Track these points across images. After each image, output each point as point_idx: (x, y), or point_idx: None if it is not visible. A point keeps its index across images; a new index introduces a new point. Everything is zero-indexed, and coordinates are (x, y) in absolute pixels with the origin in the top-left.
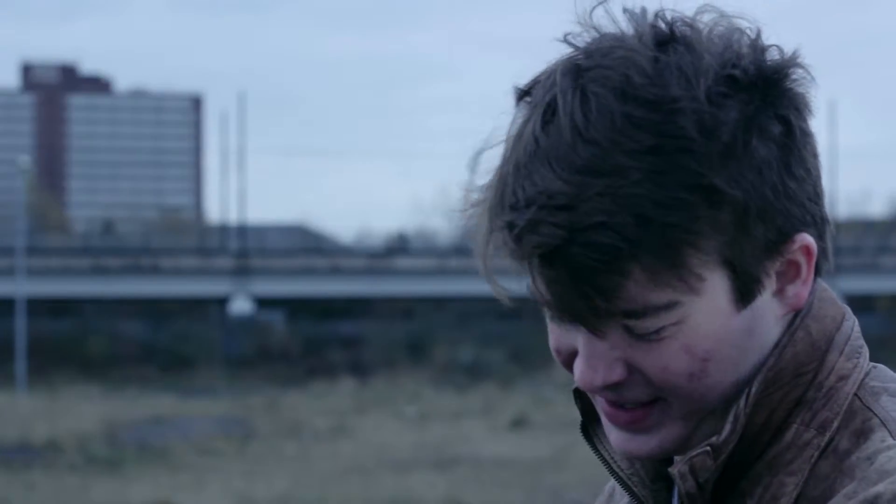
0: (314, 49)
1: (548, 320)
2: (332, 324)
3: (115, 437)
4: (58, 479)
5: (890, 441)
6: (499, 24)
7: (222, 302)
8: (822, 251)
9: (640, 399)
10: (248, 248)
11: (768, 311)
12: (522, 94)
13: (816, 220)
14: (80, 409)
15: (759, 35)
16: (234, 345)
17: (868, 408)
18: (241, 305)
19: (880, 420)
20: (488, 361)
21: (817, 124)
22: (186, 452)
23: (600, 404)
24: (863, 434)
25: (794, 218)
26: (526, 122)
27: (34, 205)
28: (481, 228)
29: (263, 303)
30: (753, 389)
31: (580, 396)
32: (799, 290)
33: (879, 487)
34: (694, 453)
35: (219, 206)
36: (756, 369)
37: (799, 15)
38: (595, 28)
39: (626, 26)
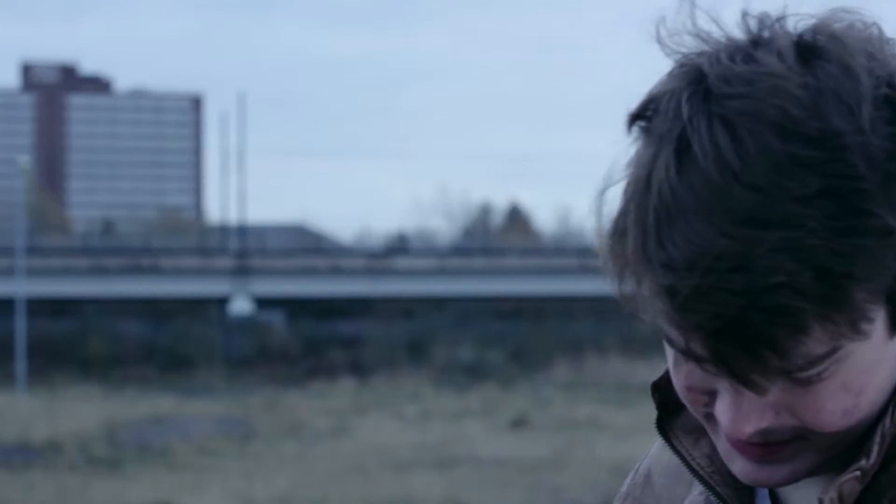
0: (314, 49)
1: (676, 356)
2: (332, 324)
3: (115, 437)
4: (58, 479)
5: None
6: (499, 23)
7: (222, 302)
8: None
9: (784, 439)
10: (248, 248)
11: None
12: (637, 118)
13: None
14: (80, 409)
15: (887, 37)
16: (234, 345)
17: None
18: (241, 305)
19: None
20: (488, 361)
21: None
22: (186, 452)
23: (731, 441)
24: None
25: None
26: (654, 158)
27: (34, 205)
28: (632, 287)
29: (263, 303)
30: None
31: (658, 390)
32: None
33: None
34: (844, 479)
35: (219, 206)
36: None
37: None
38: (707, 35)
39: (749, 36)
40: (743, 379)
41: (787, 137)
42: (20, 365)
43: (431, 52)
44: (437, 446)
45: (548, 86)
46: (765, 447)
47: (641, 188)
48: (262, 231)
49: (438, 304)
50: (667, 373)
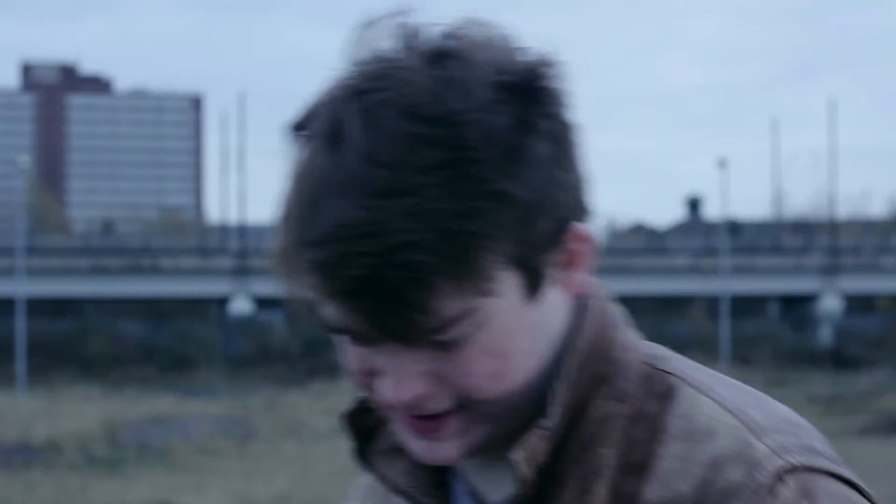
0: (314, 49)
1: (346, 345)
2: None
3: (115, 437)
4: (58, 479)
5: (699, 397)
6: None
7: (222, 302)
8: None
9: (444, 408)
10: (248, 248)
11: (556, 301)
12: (298, 127)
13: (587, 209)
14: (80, 409)
15: (511, 39)
16: (234, 345)
17: (663, 371)
18: (241, 305)
19: (680, 379)
20: None
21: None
22: (186, 452)
23: (402, 418)
24: (668, 395)
25: (569, 209)
26: (311, 153)
27: (34, 205)
28: (288, 273)
29: (263, 303)
30: (569, 373)
31: (351, 420)
32: (581, 278)
33: (717, 448)
34: (528, 437)
35: (219, 206)
36: (554, 358)
37: (801, 15)
38: (368, 49)
39: (397, 45)
40: (393, 336)
41: (412, 120)
42: (20, 365)
43: None
44: None
45: None
46: (432, 420)
47: (296, 185)
48: (262, 231)
49: None
50: (357, 402)
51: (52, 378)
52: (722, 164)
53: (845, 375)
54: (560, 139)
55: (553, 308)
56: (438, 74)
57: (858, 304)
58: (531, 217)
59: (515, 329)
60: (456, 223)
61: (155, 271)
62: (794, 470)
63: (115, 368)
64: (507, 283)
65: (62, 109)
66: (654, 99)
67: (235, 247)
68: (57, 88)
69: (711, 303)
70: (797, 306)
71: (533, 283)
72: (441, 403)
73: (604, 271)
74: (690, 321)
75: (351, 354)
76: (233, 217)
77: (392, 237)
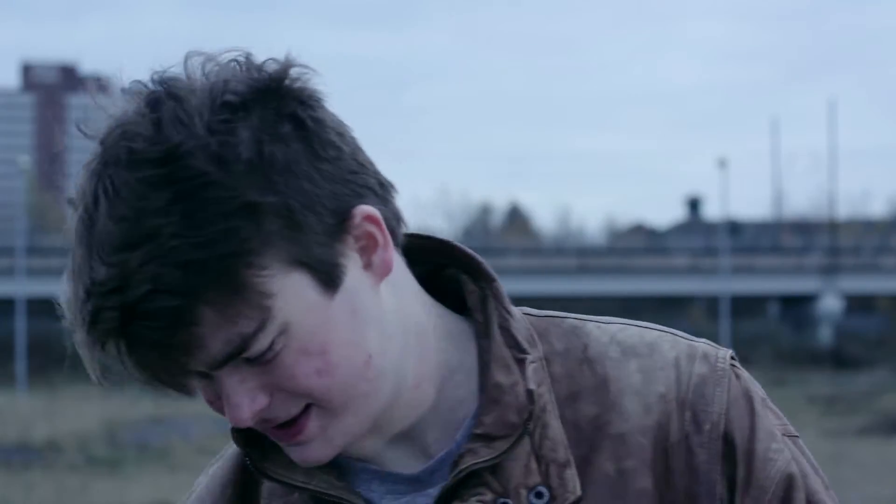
0: (314, 49)
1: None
2: None
3: (115, 437)
4: (58, 479)
5: (606, 326)
6: (500, 23)
7: None
8: (393, 213)
9: (294, 412)
10: None
11: (364, 286)
12: (71, 198)
13: (373, 188)
14: (80, 409)
15: (248, 57)
16: None
17: (547, 316)
18: None
19: (573, 318)
20: None
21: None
22: (186, 452)
23: (269, 433)
24: (571, 332)
25: (345, 195)
26: (75, 222)
27: (34, 205)
28: (72, 329)
29: None
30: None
31: (239, 434)
32: (384, 257)
33: (671, 352)
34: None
35: None
36: (401, 333)
37: (801, 15)
38: (108, 115)
39: (126, 103)
40: (171, 384)
41: (136, 168)
42: (20, 365)
43: (432, 53)
44: None
45: (548, 86)
46: (290, 427)
47: (70, 248)
48: None
49: None
50: None
51: (52, 378)
52: (722, 164)
53: (845, 375)
54: (309, 136)
55: (362, 294)
56: (159, 117)
57: (858, 304)
58: (295, 217)
59: (323, 324)
60: (199, 254)
61: None
62: (733, 357)
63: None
64: (296, 285)
65: (62, 109)
66: (654, 99)
67: None
68: (57, 88)
69: (711, 303)
70: (797, 306)
71: (328, 278)
72: (288, 409)
73: (604, 271)
74: (690, 321)
75: (200, 391)
76: None
77: (135, 289)
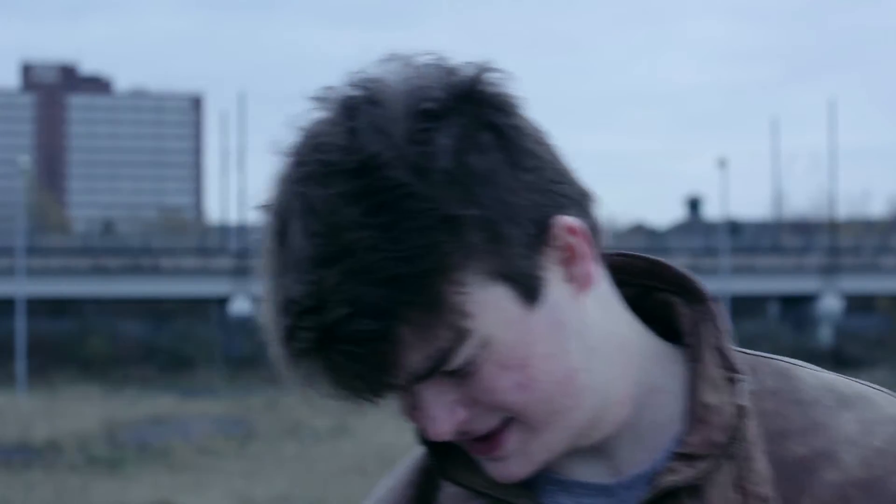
0: (315, 48)
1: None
2: None
3: (115, 437)
4: (58, 479)
5: (819, 373)
6: (501, 23)
7: (222, 302)
8: (593, 224)
9: (493, 426)
10: (248, 248)
11: (566, 299)
12: (264, 212)
13: (573, 198)
14: (80, 409)
15: (442, 62)
16: (234, 345)
17: (756, 355)
18: (240, 305)
19: (783, 360)
20: None
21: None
22: (186, 452)
23: (466, 446)
24: (782, 373)
25: (546, 206)
26: (268, 237)
27: (34, 205)
28: (270, 343)
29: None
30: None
31: (423, 436)
32: (584, 269)
33: (886, 409)
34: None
35: (219, 206)
36: (604, 350)
37: (801, 15)
38: (299, 127)
39: (322, 113)
40: (366, 398)
41: (331, 182)
42: (20, 365)
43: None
44: None
45: (548, 86)
46: (489, 441)
47: (265, 262)
48: (262, 231)
49: None
50: None
51: (52, 378)
52: (722, 164)
53: (845, 375)
54: (508, 144)
55: (563, 307)
56: (354, 126)
57: (858, 304)
58: (497, 229)
59: (524, 338)
60: (402, 269)
61: (155, 271)
62: None
63: (115, 368)
64: (497, 299)
65: (62, 109)
66: (654, 99)
67: (235, 247)
68: (57, 88)
69: None
70: (797, 306)
71: (529, 291)
72: (487, 423)
73: None
74: None
75: (398, 401)
76: (233, 217)
77: (332, 311)
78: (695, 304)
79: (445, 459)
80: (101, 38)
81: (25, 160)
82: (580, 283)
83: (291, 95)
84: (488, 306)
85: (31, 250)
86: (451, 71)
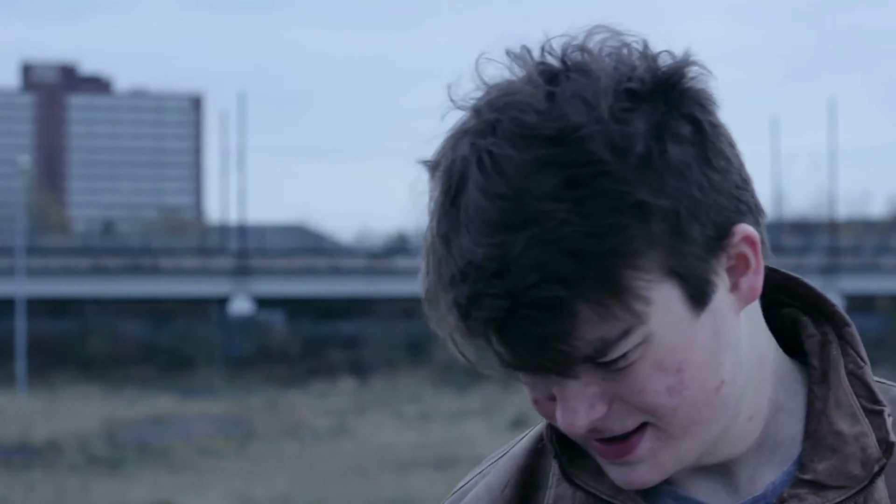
0: (315, 48)
1: (518, 375)
2: (332, 324)
3: (115, 437)
4: (58, 479)
5: None
6: (501, 23)
7: (222, 302)
8: (762, 239)
9: (628, 428)
10: (248, 248)
11: (727, 309)
12: (433, 166)
13: (751, 208)
14: (80, 409)
15: (647, 45)
16: (234, 345)
17: (880, 382)
18: (241, 305)
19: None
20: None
21: (828, 123)
22: (186, 452)
23: (592, 446)
24: None
25: (728, 210)
26: (439, 193)
27: (34, 205)
28: (436, 311)
29: (263, 303)
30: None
31: (552, 432)
32: (752, 282)
33: None
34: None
35: (219, 206)
36: (736, 367)
37: (801, 15)
38: (484, 82)
39: (515, 70)
40: (547, 369)
41: (526, 145)
42: (20, 365)
43: (433, 53)
44: (437, 446)
45: None
46: (620, 443)
47: (432, 220)
48: (262, 231)
49: None
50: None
51: (52, 378)
52: None
53: None
54: (704, 140)
55: (725, 317)
56: (555, 91)
57: (858, 304)
58: (681, 224)
59: (685, 341)
60: (589, 245)
61: (155, 271)
62: None
63: (115, 368)
64: (667, 296)
65: (62, 109)
66: None
67: (235, 247)
68: (57, 88)
69: None
70: None
71: (697, 294)
72: (624, 423)
73: None
74: None
75: (526, 386)
76: (233, 217)
77: (521, 275)
78: (825, 326)
79: (569, 460)
80: (101, 38)
81: (25, 160)
82: (745, 295)
83: (291, 95)
84: (658, 302)
85: (31, 250)
86: (654, 56)
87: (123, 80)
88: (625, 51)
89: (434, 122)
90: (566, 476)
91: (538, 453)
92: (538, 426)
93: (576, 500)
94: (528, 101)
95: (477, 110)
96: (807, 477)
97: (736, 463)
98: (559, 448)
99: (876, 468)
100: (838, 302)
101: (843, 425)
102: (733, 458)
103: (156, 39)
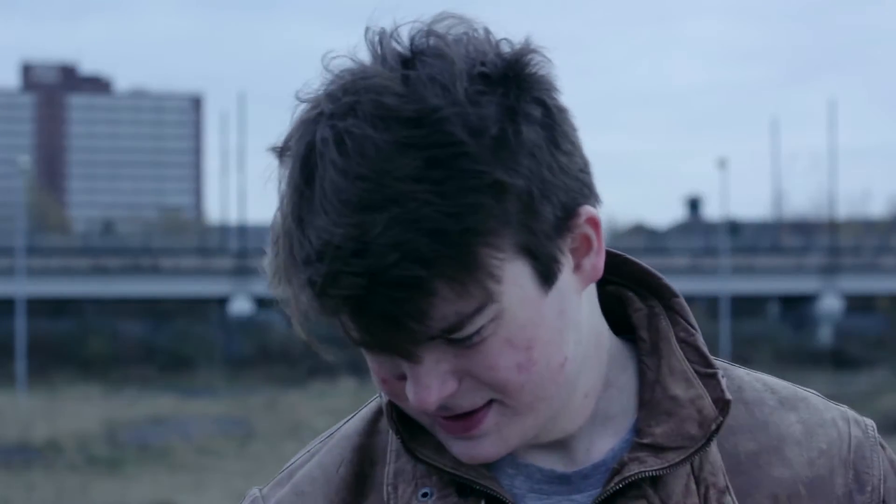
0: (315, 48)
1: (365, 354)
2: None
3: (115, 437)
4: (58, 479)
5: (752, 374)
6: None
7: (222, 302)
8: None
9: (477, 404)
10: (248, 248)
11: (571, 288)
12: (282, 151)
13: (592, 191)
14: (80, 409)
15: (489, 32)
16: (234, 345)
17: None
18: (241, 305)
19: (721, 360)
20: None
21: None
22: (186, 452)
23: (436, 422)
24: (724, 372)
25: (574, 192)
26: (292, 175)
27: (34, 205)
28: (286, 291)
29: (263, 303)
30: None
31: (391, 409)
32: (595, 262)
33: (822, 412)
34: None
35: (219, 206)
36: (589, 344)
37: (801, 15)
38: (333, 72)
39: (367, 56)
40: (398, 350)
41: (385, 126)
42: (20, 365)
43: None
44: None
45: None
46: (466, 419)
47: (282, 205)
48: (262, 231)
49: None
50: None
51: (52, 378)
52: (722, 164)
53: (845, 375)
54: (552, 124)
55: (569, 296)
56: (412, 75)
57: (858, 304)
58: (533, 204)
59: (535, 318)
60: (448, 224)
61: (155, 271)
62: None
63: (115, 368)
64: (519, 273)
65: (62, 109)
66: (654, 99)
67: (235, 247)
68: (57, 88)
69: (711, 303)
70: (797, 306)
71: (546, 272)
72: (473, 400)
73: None
74: None
75: (372, 363)
76: (233, 217)
77: (381, 254)
78: (653, 300)
79: (410, 436)
80: (101, 38)
81: (25, 160)
82: (588, 275)
83: (291, 95)
84: (511, 279)
85: (31, 250)
86: (497, 43)
87: (123, 80)
88: (474, 36)
89: None
90: (408, 451)
91: (371, 433)
92: (366, 408)
93: (416, 473)
94: (385, 83)
95: (331, 95)
96: (645, 441)
97: (571, 438)
98: (400, 426)
99: (714, 426)
100: (838, 302)
101: (678, 390)
102: (569, 434)
103: (156, 39)
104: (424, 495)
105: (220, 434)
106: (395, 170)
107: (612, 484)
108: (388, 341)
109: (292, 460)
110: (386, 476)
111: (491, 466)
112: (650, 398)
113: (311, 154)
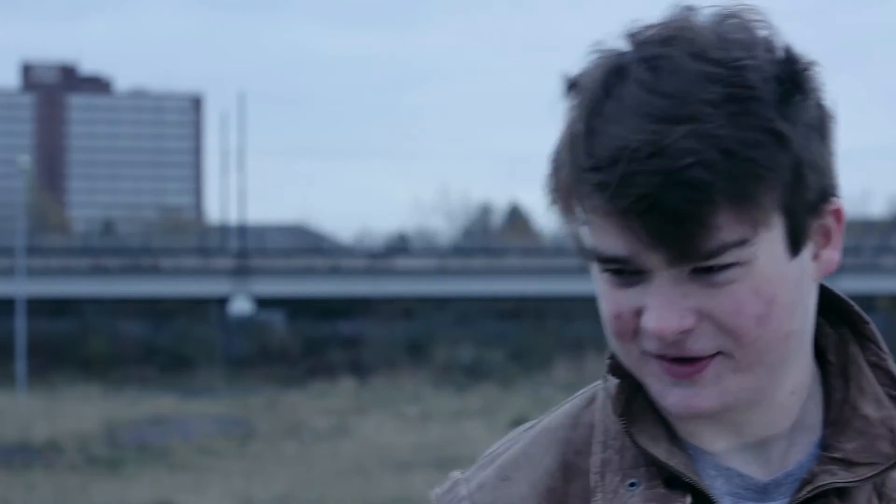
0: (315, 48)
1: (605, 285)
2: (332, 324)
3: (115, 437)
4: (58, 479)
5: None
6: (501, 23)
7: (222, 302)
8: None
9: (705, 351)
10: (248, 248)
11: (808, 271)
12: (573, 83)
13: (839, 188)
14: (80, 409)
15: (778, 31)
16: (234, 345)
17: None
18: (241, 305)
19: None
20: (488, 361)
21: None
22: (186, 452)
23: (660, 366)
24: None
25: (832, 180)
26: (588, 94)
27: (34, 205)
28: (564, 203)
29: (263, 303)
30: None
31: (615, 365)
32: (831, 256)
33: None
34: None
35: (219, 206)
36: (801, 328)
37: (802, 14)
38: (642, 24)
39: (678, 15)
40: (672, 250)
41: (697, 60)
42: (20, 365)
43: (433, 53)
44: (437, 446)
45: (549, 86)
46: (690, 364)
47: (572, 124)
48: (262, 231)
49: (438, 304)
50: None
51: (52, 378)
52: None
53: None
54: (826, 123)
55: (805, 276)
56: (722, 31)
57: (858, 304)
58: (802, 169)
59: (779, 277)
60: (740, 147)
61: (155, 271)
62: None
63: (115, 368)
64: (776, 228)
65: (62, 109)
66: None
67: (235, 247)
68: (57, 88)
69: None
70: None
71: (795, 239)
72: (703, 343)
73: None
74: None
75: (611, 297)
76: (233, 217)
77: (677, 157)
78: (843, 327)
79: (630, 422)
80: (101, 38)
81: (25, 160)
82: (823, 266)
83: (291, 95)
84: (768, 230)
85: (31, 250)
86: (785, 41)
87: (123, 80)
88: (769, 26)
89: (431, 122)
90: (629, 434)
91: (575, 426)
92: (568, 403)
93: (624, 464)
94: (700, 30)
95: (639, 39)
96: (836, 455)
97: (771, 441)
98: (624, 409)
99: None
100: None
101: (869, 410)
102: (770, 436)
103: (156, 39)
104: (632, 485)
105: (220, 434)
106: (699, 93)
107: (804, 492)
108: (665, 244)
109: (494, 447)
110: (592, 465)
111: (695, 465)
112: (837, 417)
113: (615, 75)
